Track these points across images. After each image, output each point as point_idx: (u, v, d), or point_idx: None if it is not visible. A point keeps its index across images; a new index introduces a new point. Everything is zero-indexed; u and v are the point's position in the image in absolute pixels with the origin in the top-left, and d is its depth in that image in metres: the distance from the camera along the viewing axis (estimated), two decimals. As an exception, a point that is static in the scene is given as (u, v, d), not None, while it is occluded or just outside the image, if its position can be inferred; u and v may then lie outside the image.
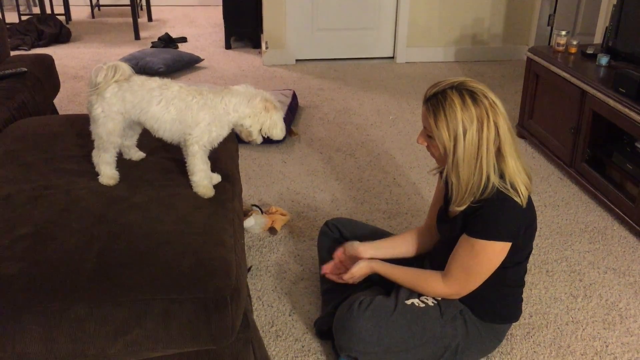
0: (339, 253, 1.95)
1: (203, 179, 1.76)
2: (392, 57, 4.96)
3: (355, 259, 1.89)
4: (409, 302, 1.73)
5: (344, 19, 4.78)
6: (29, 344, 1.31)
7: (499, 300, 1.76)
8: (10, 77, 2.83)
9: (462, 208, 1.64)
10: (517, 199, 1.58)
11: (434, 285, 1.72)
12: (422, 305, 1.73)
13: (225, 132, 1.78)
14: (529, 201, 1.63)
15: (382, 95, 4.14)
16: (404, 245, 1.95)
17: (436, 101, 1.58)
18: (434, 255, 1.90)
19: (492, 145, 1.57)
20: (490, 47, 4.97)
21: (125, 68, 1.75)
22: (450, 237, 1.72)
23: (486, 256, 1.62)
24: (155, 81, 1.76)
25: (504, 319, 1.81)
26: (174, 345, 1.37)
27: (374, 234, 2.09)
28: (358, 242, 1.92)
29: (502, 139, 1.58)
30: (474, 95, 1.56)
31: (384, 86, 4.33)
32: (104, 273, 1.39)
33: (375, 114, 3.81)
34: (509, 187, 1.58)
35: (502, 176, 1.60)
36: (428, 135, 1.64)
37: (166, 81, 1.77)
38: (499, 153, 1.60)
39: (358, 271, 1.85)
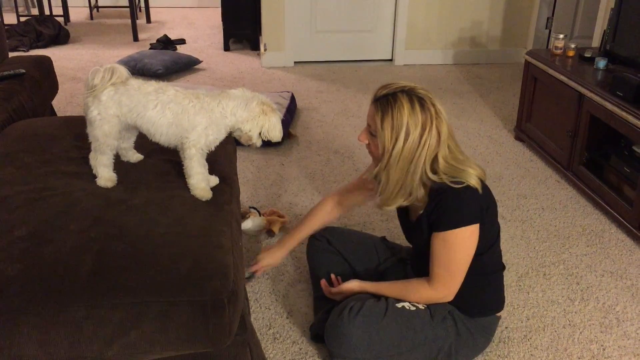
0: (333, 277, 2.02)
1: (200, 181, 1.76)
2: (391, 60, 4.97)
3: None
4: (399, 305, 1.75)
5: (342, 22, 4.79)
6: (25, 346, 1.31)
7: (480, 290, 1.78)
8: (9, 78, 2.83)
9: (392, 207, 1.72)
10: (469, 183, 1.62)
11: (422, 292, 1.74)
12: (413, 308, 1.75)
13: (222, 136, 1.78)
14: (483, 184, 1.68)
15: (380, 98, 4.14)
16: (317, 222, 2.10)
17: (386, 102, 1.63)
18: (414, 265, 1.93)
19: (430, 150, 1.62)
20: (489, 49, 4.98)
21: (122, 71, 1.75)
22: (422, 243, 1.76)
23: (460, 245, 1.65)
24: (152, 85, 1.76)
25: (489, 309, 1.83)
26: (171, 347, 1.37)
27: (360, 238, 2.12)
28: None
29: (442, 142, 1.63)
30: (422, 102, 1.62)
31: (382, 88, 4.33)
32: (101, 275, 1.39)
33: (374, 116, 3.81)
34: (458, 180, 1.63)
35: (451, 175, 1.64)
36: (371, 134, 1.69)
37: (162, 85, 1.77)
38: (436, 159, 1.64)
39: (347, 288, 1.89)
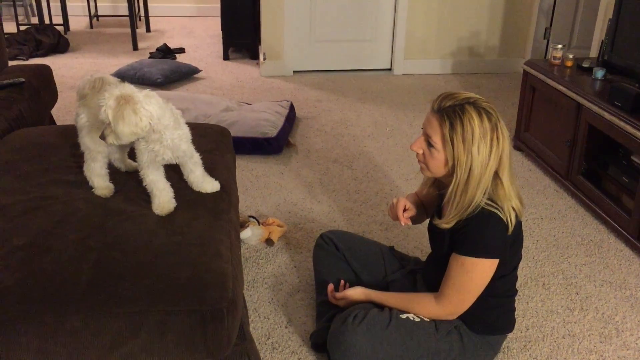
0: (342, 282, 2.00)
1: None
2: (390, 69, 4.98)
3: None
4: (403, 316, 1.74)
5: (341, 31, 4.81)
6: (23, 355, 1.31)
7: (491, 312, 1.76)
8: (8, 87, 2.83)
9: (449, 226, 1.65)
10: (502, 216, 1.59)
11: (428, 308, 1.73)
12: (417, 319, 1.73)
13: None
14: (517, 220, 1.64)
15: (379, 107, 4.16)
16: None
17: (454, 112, 1.57)
18: (426, 272, 1.91)
19: (495, 167, 1.59)
20: (487, 59, 5.00)
21: (112, 80, 1.75)
22: (440, 253, 1.74)
23: (476, 273, 1.63)
24: (141, 92, 1.71)
25: (498, 330, 1.81)
26: (169, 357, 1.37)
27: (369, 247, 2.10)
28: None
29: (503, 162, 1.60)
30: (489, 115, 1.58)
31: (381, 98, 4.35)
32: (99, 284, 1.39)
33: (373, 125, 3.83)
34: (494, 205, 1.59)
35: (491, 198, 1.61)
36: (429, 144, 1.64)
37: (148, 92, 1.69)
38: (496, 176, 1.61)
39: (352, 295, 1.87)
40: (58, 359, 1.32)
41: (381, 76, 4.88)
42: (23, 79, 2.91)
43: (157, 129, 1.63)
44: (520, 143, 3.43)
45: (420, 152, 1.68)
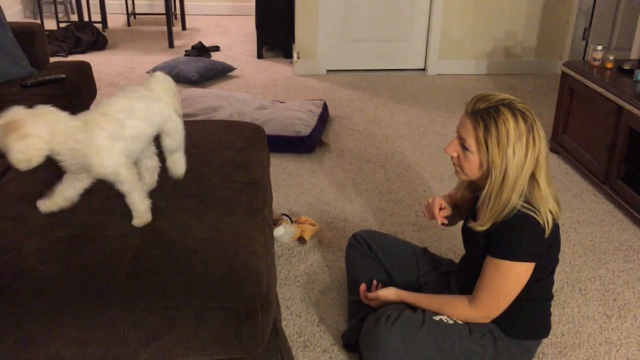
0: (375, 282, 2.00)
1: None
2: (424, 69, 4.95)
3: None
4: (437, 318, 1.72)
5: (375, 30, 4.79)
6: (62, 346, 1.33)
7: (525, 316, 1.73)
8: (49, 83, 2.90)
9: (484, 228, 1.63)
10: (538, 219, 1.56)
11: (461, 311, 1.71)
12: (451, 322, 1.71)
13: None
14: (554, 223, 1.62)
15: (412, 107, 4.13)
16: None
17: (488, 115, 1.56)
18: (460, 273, 1.89)
19: (531, 168, 1.57)
20: (523, 60, 4.92)
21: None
22: (474, 256, 1.72)
23: (512, 277, 1.61)
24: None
25: (533, 335, 1.78)
26: (204, 352, 1.38)
27: (401, 247, 2.08)
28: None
29: (540, 164, 1.58)
30: (524, 116, 1.56)
31: (414, 98, 4.32)
32: (137, 278, 1.41)
33: (406, 125, 3.80)
34: (531, 208, 1.57)
35: (527, 200, 1.58)
36: (464, 147, 1.63)
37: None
38: (532, 178, 1.59)
39: (384, 295, 1.86)
40: (95, 350, 1.34)
41: (415, 76, 4.84)
42: (64, 75, 2.97)
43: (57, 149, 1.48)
44: (557, 146, 3.37)
45: (455, 155, 1.66)
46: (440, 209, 1.87)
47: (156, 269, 1.44)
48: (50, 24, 5.93)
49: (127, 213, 1.65)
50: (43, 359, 1.34)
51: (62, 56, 5.06)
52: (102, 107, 1.57)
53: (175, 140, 1.73)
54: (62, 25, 5.67)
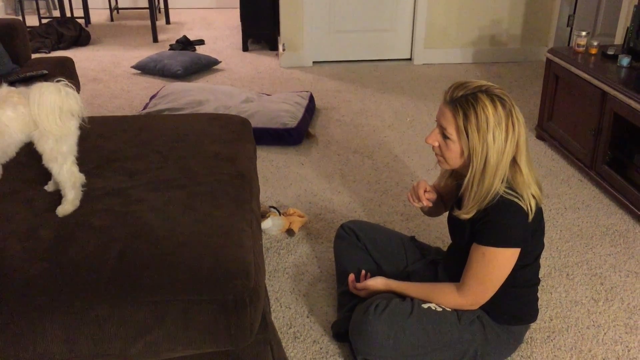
0: (363, 272, 1.99)
1: None
2: (410, 59, 4.95)
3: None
4: (425, 306, 1.73)
5: (361, 21, 4.78)
6: (50, 344, 1.32)
7: (513, 302, 1.75)
8: (32, 79, 2.87)
9: (469, 216, 1.63)
10: (521, 204, 1.57)
11: (449, 298, 1.72)
12: (439, 309, 1.72)
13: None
14: (538, 207, 1.62)
15: (399, 97, 4.13)
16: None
17: (466, 102, 1.56)
18: (447, 262, 1.90)
19: (511, 153, 1.58)
20: (509, 48, 4.93)
21: None
22: (461, 244, 1.73)
23: (498, 263, 1.62)
24: None
25: (521, 320, 1.79)
26: (193, 346, 1.38)
27: (389, 237, 2.09)
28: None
29: (520, 148, 1.59)
30: (503, 102, 1.56)
31: (401, 88, 4.32)
32: (124, 274, 1.40)
33: (393, 115, 3.80)
34: (514, 193, 1.58)
35: (510, 186, 1.59)
36: (444, 136, 1.63)
37: None
38: (514, 162, 1.60)
39: (373, 285, 1.86)
40: (84, 348, 1.34)
41: (401, 66, 4.84)
42: (46, 71, 2.95)
43: None
44: (543, 132, 3.39)
45: (436, 144, 1.67)
46: (425, 191, 1.87)
47: (143, 263, 1.43)
48: (32, 20, 5.86)
49: (109, 208, 1.64)
50: (31, 357, 1.33)
51: (45, 52, 5.01)
52: None
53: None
54: (44, 21, 5.61)
